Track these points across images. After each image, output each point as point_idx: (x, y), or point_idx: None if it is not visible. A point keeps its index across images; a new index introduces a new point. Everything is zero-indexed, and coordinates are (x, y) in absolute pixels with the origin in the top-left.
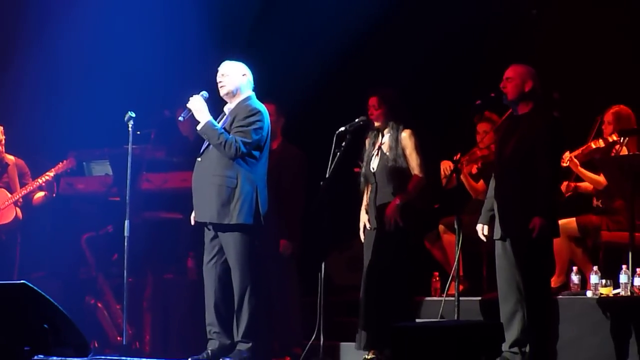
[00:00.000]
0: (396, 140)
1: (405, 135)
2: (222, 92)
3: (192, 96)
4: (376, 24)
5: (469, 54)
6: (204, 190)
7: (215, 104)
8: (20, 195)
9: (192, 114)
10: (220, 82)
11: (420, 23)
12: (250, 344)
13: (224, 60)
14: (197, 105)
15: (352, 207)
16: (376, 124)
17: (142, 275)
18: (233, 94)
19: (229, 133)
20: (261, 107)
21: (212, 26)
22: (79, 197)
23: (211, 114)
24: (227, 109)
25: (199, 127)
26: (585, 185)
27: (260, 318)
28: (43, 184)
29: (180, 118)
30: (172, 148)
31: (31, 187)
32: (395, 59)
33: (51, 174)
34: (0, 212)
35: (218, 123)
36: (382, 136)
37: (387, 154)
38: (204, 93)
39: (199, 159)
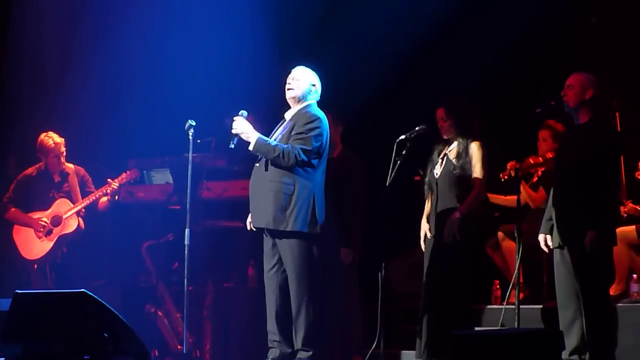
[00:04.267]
0: (465, 149)
1: (475, 146)
2: (289, 95)
3: (233, 121)
4: (437, 32)
5: (531, 62)
6: (261, 196)
7: (277, 109)
8: (82, 205)
9: (240, 137)
10: (289, 84)
11: (482, 32)
12: (311, 352)
13: (284, 68)
14: (242, 127)
15: (413, 215)
16: (446, 136)
17: (202, 284)
18: (298, 99)
19: (288, 139)
20: (320, 114)
21: (272, 34)
22: (139, 206)
23: (264, 123)
24: (288, 115)
25: (250, 147)
26: None
27: (320, 326)
28: (106, 194)
29: (231, 145)
30: (233, 156)
31: (94, 197)
32: (456, 67)
33: (115, 185)
34: (63, 221)
35: (278, 128)
36: (450, 145)
37: (453, 161)
38: (243, 112)
39: (257, 165)
